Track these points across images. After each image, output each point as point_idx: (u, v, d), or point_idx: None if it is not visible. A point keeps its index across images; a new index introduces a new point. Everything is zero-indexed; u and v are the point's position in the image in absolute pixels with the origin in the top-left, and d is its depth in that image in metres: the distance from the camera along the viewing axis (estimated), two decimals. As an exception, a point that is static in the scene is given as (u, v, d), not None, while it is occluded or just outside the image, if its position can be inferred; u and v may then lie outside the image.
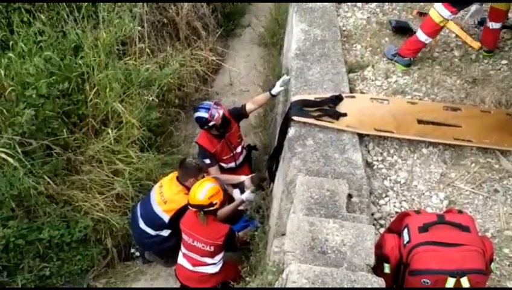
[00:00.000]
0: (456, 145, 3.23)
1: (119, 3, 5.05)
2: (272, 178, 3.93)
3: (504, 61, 3.92)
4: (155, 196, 4.09)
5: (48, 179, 4.12)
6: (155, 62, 5.34)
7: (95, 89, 4.59)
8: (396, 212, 2.87)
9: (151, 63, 5.24)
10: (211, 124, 4.10)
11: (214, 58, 6.33)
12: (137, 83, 4.85)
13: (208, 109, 4.08)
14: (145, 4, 5.31)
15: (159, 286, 4.47)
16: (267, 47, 6.65)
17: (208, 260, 3.76)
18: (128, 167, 4.52)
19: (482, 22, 4.34)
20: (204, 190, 3.58)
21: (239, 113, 4.40)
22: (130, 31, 4.99)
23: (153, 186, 4.30)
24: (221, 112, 4.12)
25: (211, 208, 3.59)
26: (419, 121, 3.35)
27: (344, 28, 4.51)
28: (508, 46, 4.07)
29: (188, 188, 3.95)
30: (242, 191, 4.24)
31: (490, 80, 3.72)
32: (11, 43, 4.44)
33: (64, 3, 4.78)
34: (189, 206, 3.68)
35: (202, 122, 4.14)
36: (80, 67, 4.57)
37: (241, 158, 4.54)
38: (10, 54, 4.27)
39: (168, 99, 5.51)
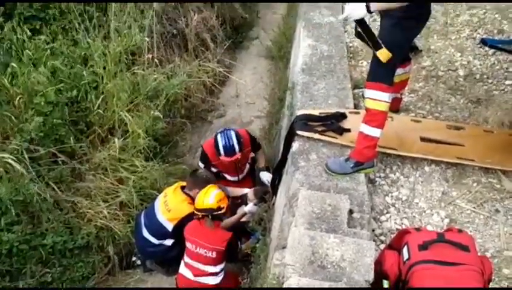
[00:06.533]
0: (458, 164, 3.24)
1: (130, 14, 5.13)
2: (275, 191, 3.95)
3: (508, 82, 3.95)
4: (159, 205, 4.13)
5: (54, 185, 4.17)
6: (163, 72, 5.41)
7: (103, 96, 4.66)
8: (397, 229, 2.87)
9: (159, 73, 5.32)
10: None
11: (221, 69, 6.40)
12: (144, 92, 4.92)
13: (229, 153, 4.12)
14: (154, 15, 5.40)
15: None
16: (274, 60, 6.70)
17: (210, 269, 3.78)
18: (132, 176, 4.57)
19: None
20: (212, 195, 3.75)
21: (256, 144, 4.55)
22: (140, 42, 5.07)
23: (157, 195, 4.34)
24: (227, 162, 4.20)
25: (219, 212, 3.73)
26: (423, 139, 3.37)
27: (351, 45, 4.56)
28: (513, 67, 4.11)
29: (192, 198, 3.99)
30: (245, 204, 4.27)
31: (494, 100, 3.75)
32: (15, 51, 4.53)
33: (76, 12, 4.88)
34: (196, 212, 3.77)
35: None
36: (89, 76, 4.65)
37: (245, 172, 4.57)
38: (13, 64, 4.36)
39: (174, 109, 5.58)
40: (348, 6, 2.71)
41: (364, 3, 2.63)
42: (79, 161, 4.48)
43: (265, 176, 4.36)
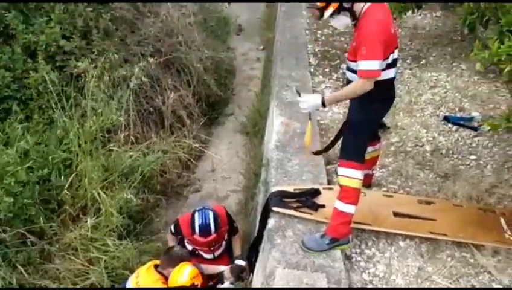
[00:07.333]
0: (431, 238, 3.28)
1: (107, 94, 5.24)
2: (252, 269, 3.88)
3: (472, 157, 4.13)
4: (131, 285, 3.96)
5: (21, 268, 3.99)
6: (139, 150, 5.44)
7: (76, 174, 4.62)
8: (376, 308, 2.84)
9: (135, 150, 5.34)
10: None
11: (197, 145, 6.48)
12: (119, 170, 4.90)
13: (204, 233, 4.01)
14: (131, 95, 5.53)
15: None
16: (249, 136, 6.86)
17: None
18: (104, 256, 4.41)
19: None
20: (186, 272, 3.66)
21: (233, 227, 4.46)
22: (116, 120, 5.14)
23: (129, 276, 4.18)
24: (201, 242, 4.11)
25: None
26: (395, 214, 3.43)
27: (322, 122, 4.75)
28: (475, 142, 4.32)
29: (166, 278, 3.87)
30: (221, 282, 4.15)
31: (461, 175, 3.90)
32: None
33: (53, 92, 4.94)
34: None
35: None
36: (62, 154, 4.64)
37: (220, 250, 4.48)
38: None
39: (149, 185, 5.54)
40: (303, 99, 2.91)
41: (320, 96, 2.85)
42: (48, 242, 4.33)
43: (241, 264, 4.24)
